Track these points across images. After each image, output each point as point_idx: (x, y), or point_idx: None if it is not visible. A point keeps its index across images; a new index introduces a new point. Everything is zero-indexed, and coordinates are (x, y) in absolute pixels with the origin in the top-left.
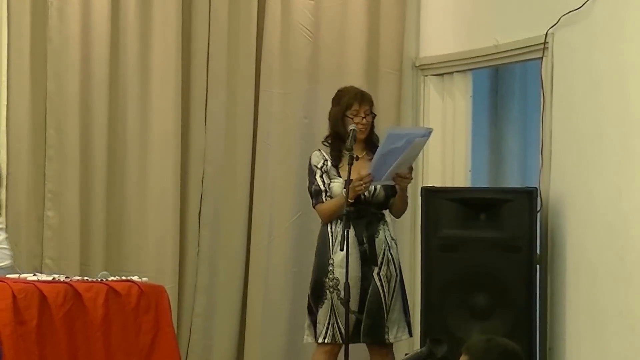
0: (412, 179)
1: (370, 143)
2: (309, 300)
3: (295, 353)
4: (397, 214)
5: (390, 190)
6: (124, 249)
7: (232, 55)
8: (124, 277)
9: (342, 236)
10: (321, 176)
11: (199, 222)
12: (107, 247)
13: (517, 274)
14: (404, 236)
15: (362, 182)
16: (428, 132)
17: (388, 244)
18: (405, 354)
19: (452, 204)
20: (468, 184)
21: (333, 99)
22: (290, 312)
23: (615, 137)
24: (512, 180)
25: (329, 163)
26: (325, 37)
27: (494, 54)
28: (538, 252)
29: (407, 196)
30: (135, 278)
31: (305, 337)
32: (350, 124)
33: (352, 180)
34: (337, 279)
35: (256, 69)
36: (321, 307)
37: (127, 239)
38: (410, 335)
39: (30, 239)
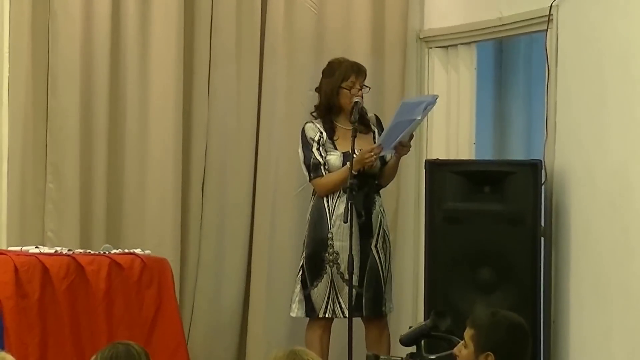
0: (411, 147)
1: (361, 116)
2: (303, 274)
3: (299, 328)
4: (386, 183)
5: (382, 160)
6: (125, 222)
7: (236, 27)
8: (126, 250)
9: (346, 209)
10: (318, 149)
11: (202, 195)
12: (109, 220)
13: (521, 246)
14: (408, 209)
15: (372, 154)
16: (434, 99)
17: (382, 215)
18: (410, 327)
19: (457, 176)
20: (472, 157)
21: (324, 70)
22: (294, 285)
23: (620, 109)
24: (517, 153)
25: (325, 136)
26: (330, 10)
27: (499, 26)
28: (542, 224)
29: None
30: (138, 251)
31: (295, 311)
32: (345, 95)
33: (355, 152)
34: (337, 253)
35: (260, 41)
36: (319, 282)
37: (129, 211)
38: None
39: (31, 211)
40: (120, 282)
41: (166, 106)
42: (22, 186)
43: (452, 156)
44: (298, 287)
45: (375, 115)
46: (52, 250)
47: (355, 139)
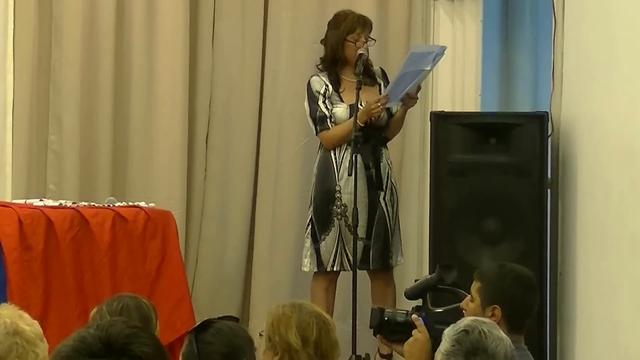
0: (418, 98)
1: (366, 68)
2: (312, 228)
3: (304, 280)
4: (392, 136)
5: (389, 113)
6: (129, 174)
7: None
8: (130, 203)
9: (350, 161)
10: (324, 102)
11: (206, 147)
12: (113, 173)
13: (527, 198)
14: (413, 161)
15: (379, 104)
16: (443, 50)
17: (389, 167)
18: (415, 280)
19: (462, 128)
20: (478, 109)
21: (330, 22)
22: (297, 237)
23: (628, 59)
24: (523, 105)
25: (331, 88)
26: None
27: None
28: (549, 176)
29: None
30: (142, 204)
31: (307, 265)
32: (350, 48)
33: (361, 105)
34: (345, 206)
35: None
36: (327, 235)
37: (133, 164)
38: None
39: (36, 164)
40: (124, 234)
41: (172, 58)
42: (26, 139)
43: (458, 108)
44: (308, 241)
45: (380, 68)
46: (56, 203)
47: (361, 91)
